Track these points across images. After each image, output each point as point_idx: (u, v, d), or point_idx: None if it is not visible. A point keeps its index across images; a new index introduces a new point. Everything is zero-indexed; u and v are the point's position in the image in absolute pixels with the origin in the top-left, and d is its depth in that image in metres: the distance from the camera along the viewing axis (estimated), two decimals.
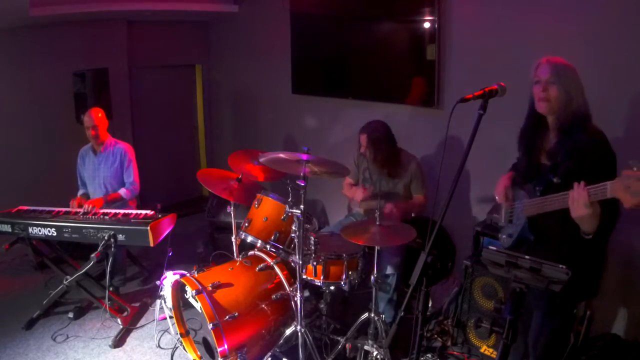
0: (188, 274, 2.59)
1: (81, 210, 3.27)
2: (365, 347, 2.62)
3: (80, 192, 3.73)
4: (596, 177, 1.65)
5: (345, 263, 2.59)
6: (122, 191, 3.60)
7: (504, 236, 2.12)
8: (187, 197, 5.95)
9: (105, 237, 2.93)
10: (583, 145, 1.80)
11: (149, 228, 2.97)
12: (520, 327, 2.07)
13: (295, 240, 2.46)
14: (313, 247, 2.55)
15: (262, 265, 2.76)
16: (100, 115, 3.55)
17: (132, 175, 3.66)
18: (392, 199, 3.07)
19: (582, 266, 1.87)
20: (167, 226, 3.19)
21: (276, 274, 2.75)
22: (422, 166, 3.09)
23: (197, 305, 2.42)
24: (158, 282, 2.87)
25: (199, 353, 2.73)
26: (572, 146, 1.82)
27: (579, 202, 1.60)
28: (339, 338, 2.70)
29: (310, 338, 2.50)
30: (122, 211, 3.29)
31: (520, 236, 2.01)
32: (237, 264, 2.80)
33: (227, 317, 2.40)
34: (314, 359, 2.49)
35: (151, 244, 3.01)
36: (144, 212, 3.26)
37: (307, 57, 4.47)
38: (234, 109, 5.72)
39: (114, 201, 3.55)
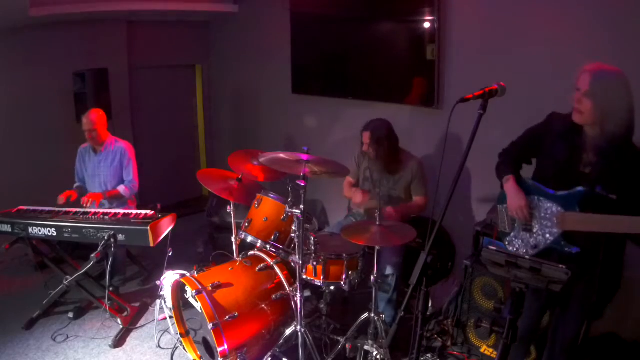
0: (188, 274, 2.59)
1: (80, 210, 3.28)
2: (365, 347, 2.62)
3: (76, 185, 3.74)
4: (635, 189, 1.66)
5: (345, 263, 2.59)
6: (121, 188, 3.60)
7: (518, 245, 2.03)
8: (187, 197, 5.95)
9: (105, 237, 2.93)
10: (631, 159, 1.75)
11: (149, 228, 2.97)
12: (525, 328, 2.08)
13: (295, 240, 2.47)
14: (313, 247, 2.55)
15: (262, 265, 2.76)
16: (97, 117, 3.54)
17: (131, 174, 3.67)
18: (392, 201, 3.07)
19: (614, 268, 1.87)
20: (167, 226, 3.19)
21: (276, 274, 2.75)
22: (423, 167, 3.09)
23: (197, 305, 2.42)
24: (158, 282, 2.87)
25: (199, 353, 2.73)
26: (625, 159, 1.76)
27: None
28: (339, 338, 2.70)
29: (310, 338, 2.50)
30: (122, 211, 3.30)
31: (551, 248, 1.93)
32: (237, 264, 2.80)
33: (227, 317, 2.40)
34: (314, 359, 2.49)
35: (151, 244, 3.01)
36: (144, 212, 3.26)
37: (307, 57, 4.47)
38: (234, 109, 5.72)
39: (112, 197, 3.55)
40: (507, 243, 2.09)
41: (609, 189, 1.78)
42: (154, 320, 3.11)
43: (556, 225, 1.90)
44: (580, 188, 1.85)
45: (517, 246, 2.05)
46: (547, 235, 1.94)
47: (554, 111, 2.08)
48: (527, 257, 1.55)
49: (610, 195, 1.77)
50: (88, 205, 3.38)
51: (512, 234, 2.08)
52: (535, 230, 1.98)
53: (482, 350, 2.76)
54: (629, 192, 1.75)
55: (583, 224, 1.80)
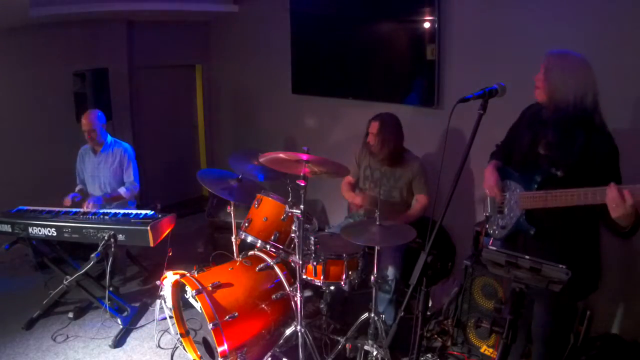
0: (188, 274, 2.59)
1: (80, 210, 3.28)
2: (365, 347, 2.62)
3: (78, 187, 3.74)
4: (603, 173, 1.70)
5: (345, 263, 2.59)
6: (122, 190, 3.60)
7: (494, 227, 2.12)
8: (187, 197, 5.95)
9: (105, 237, 2.93)
10: (588, 140, 1.81)
11: (149, 228, 2.98)
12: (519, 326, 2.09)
13: (295, 240, 2.46)
14: (313, 247, 2.55)
15: (262, 265, 2.76)
16: (95, 118, 3.53)
17: (131, 175, 3.66)
18: (393, 201, 3.07)
19: (583, 260, 1.89)
20: (167, 226, 3.19)
21: (276, 274, 2.75)
22: (425, 167, 3.09)
23: (197, 305, 2.42)
24: (158, 282, 2.87)
25: (199, 353, 2.73)
26: (575, 140, 1.83)
27: (619, 203, 1.58)
28: (339, 338, 2.70)
29: (310, 338, 2.50)
30: (122, 211, 3.30)
31: (516, 229, 2.01)
32: (237, 264, 2.80)
33: (227, 317, 2.40)
34: (314, 359, 2.49)
35: (151, 244, 3.01)
36: (144, 212, 3.27)
37: (307, 57, 4.47)
38: (234, 109, 5.72)
39: (114, 201, 3.54)
40: (488, 226, 2.18)
41: (557, 166, 1.87)
42: (154, 320, 3.11)
43: (516, 204, 1.99)
44: (539, 168, 1.94)
45: (493, 227, 2.13)
46: (512, 214, 2.02)
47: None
48: (526, 256, 1.54)
49: (557, 172, 1.86)
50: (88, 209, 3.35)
51: (492, 217, 2.16)
52: (505, 212, 2.06)
53: (482, 350, 2.76)
54: (577, 170, 1.83)
55: (534, 200, 1.89)
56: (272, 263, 2.78)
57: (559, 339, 2.16)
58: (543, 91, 1.92)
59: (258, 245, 2.77)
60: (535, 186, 1.92)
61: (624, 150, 1.85)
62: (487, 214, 2.17)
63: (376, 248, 2.51)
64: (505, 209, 2.05)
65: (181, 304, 2.76)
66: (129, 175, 3.66)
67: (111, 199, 3.54)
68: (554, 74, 1.88)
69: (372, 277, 2.55)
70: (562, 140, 1.88)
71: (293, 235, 2.55)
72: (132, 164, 3.67)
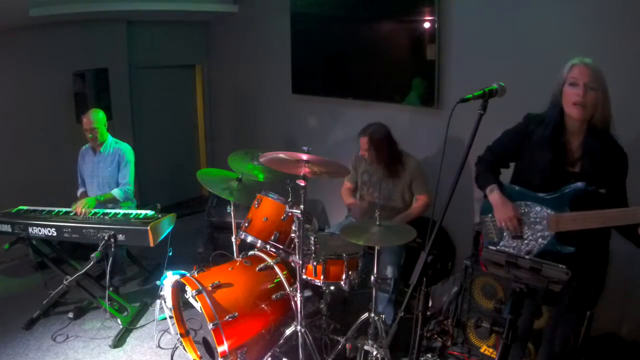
0: (188, 274, 2.59)
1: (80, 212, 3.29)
2: (365, 347, 2.61)
3: (80, 190, 3.73)
4: (618, 181, 1.73)
5: (345, 263, 2.59)
6: (115, 191, 3.56)
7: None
8: (187, 197, 5.96)
9: (105, 237, 2.94)
10: (607, 151, 1.79)
11: (149, 228, 2.98)
12: (521, 326, 2.08)
13: (295, 240, 2.47)
14: (313, 247, 2.55)
15: (262, 265, 2.76)
16: (97, 117, 3.52)
17: (126, 177, 3.61)
18: (393, 202, 3.07)
19: (602, 263, 1.88)
20: (167, 226, 3.19)
21: (276, 274, 2.75)
22: (421, 165, 3.09)
23: (197, 305, 2.42)
24: (158, 282, 2.87)
25: (199, 353, 2.73)
26: (601, 154, 1.80)
27: None
28: (339, 338, 2.70)
29: (310, 338, 2.50)
30: (122, 211, 3.29)
31: (544, 251, 1.92)
32: (237, 264, 2.80)
33: (227, 317, 2.40)
34: (314, 359, 2.49)
35: (151, 244, 3.02)
36: (144, 212, 3.26)
37: (307, 57, 4.48)
38: (234, 109, 5.72)
39: (106, 202, 3.52)
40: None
41: (598, 183, 1.80)
42: (154, 320, 3.11)
43: (548, 227, 1.91)
44: (570, 187, 1.86)
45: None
46: (540, 240, 1.94)
47: (529, 112, 2.07)
48: (527, 257, 1.54)
49: (599, 190, 1.79)
50: (82, 213, 3.30)
51: (502, 243, 2.06)
52: (526, 236, 1.97)
53: (482, 350, 2.76)
54: (615, 184, 1.80)
55: (575, 222, 1.81)
56: (272, 263, 2.78)
57: (569, 342, 2.15)
58: (589, 110, 1.81)
59: (258, 245, 2.76)
60: (568, 208, 1.84)
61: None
62: (493, 240, 2.05)
63: (376, 248, 2.51)
64: (527, 233, 1.96)
65: (181, 304, 2.76)
66: (124, 176, 3.61)
67: (104, 201, 3.48)
68: (598, 91, 1.79)
69: (372, 277, 2.55)
70: (597, 154, 1.81)
71: (293, 235, 2.55)
72: (129, 165, 3.63)
